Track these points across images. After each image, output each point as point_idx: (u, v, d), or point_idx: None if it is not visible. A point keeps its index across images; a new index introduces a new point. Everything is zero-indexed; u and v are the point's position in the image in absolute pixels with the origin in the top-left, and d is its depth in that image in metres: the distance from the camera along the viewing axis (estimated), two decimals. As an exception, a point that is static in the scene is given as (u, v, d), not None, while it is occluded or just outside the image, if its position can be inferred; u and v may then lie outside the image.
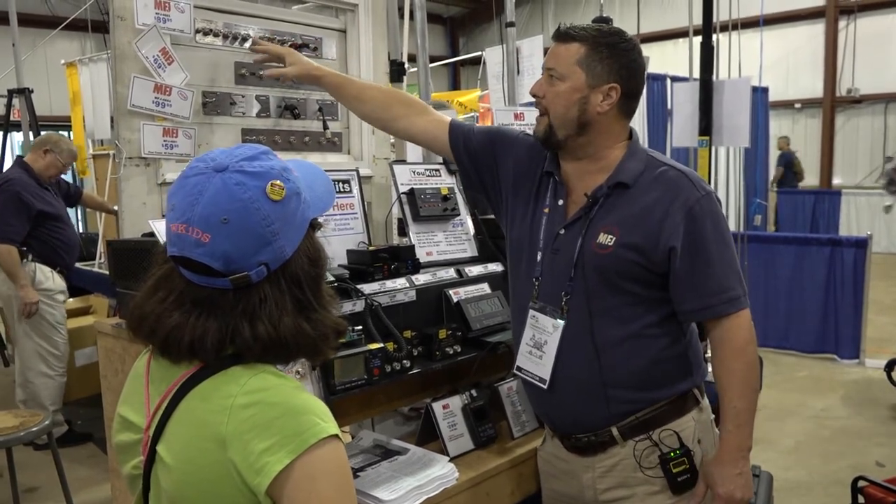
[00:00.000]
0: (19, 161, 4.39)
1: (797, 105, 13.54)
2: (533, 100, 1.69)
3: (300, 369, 1.56)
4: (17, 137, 8.11)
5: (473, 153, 1.85)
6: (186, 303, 1.03)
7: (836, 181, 13.23)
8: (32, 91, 5.80)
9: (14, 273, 4.07)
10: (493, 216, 1.98)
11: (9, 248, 4.04)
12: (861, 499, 2.64)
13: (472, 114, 6.92)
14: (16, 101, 5.89)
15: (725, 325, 1.59)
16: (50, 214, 4.23)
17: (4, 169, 6.04)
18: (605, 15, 4.46)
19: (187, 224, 0.99)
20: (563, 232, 1.66)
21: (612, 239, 1.58)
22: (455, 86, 16.22)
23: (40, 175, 4.27)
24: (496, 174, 1.84)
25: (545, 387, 1.68)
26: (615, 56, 1.59)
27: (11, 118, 6.18)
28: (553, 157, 1.72)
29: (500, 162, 1.83)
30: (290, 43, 2.31)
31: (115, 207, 4.71)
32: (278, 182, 1.02)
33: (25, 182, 4.17)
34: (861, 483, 2.64)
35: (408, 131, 1.94)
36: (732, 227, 5.71)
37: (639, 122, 7.37)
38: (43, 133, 4.89)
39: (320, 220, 1.13)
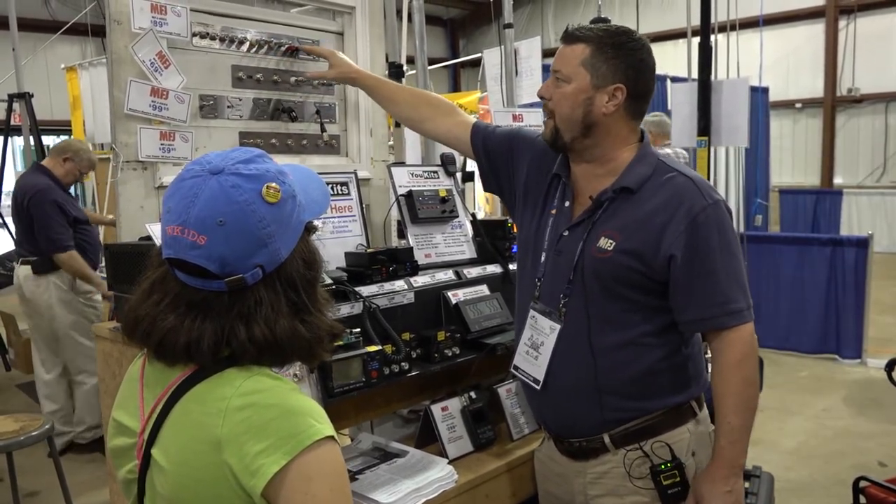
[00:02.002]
0: (40, 167, 4.32)
1: (798, 105, 13.52)
2: (531, 101, 1.69)
3: (297, 372, 1.56)
4: (17, 142, 8.14)
5: (491, 154, 1.87)
6: (181, 305, 1.03)
7: (837, 181, 13.21)
8: (33, 95, 5.80)
9: (86, 274, 4.12)
10: (491, 217, 1.98)
11: (70, 253, 4.08)
12: (862, 499, 2.62)
13: (472, 116, 6.92)
14: (16, 106, 5.89)
15: (725, 338, 1.55)
16: (79, 220, 4.26)
17: (4, 173, 6.06)
18: (603, 16, 4.45)
19: (183, 226, 1.00)
20: (566, 234, 1.65)
21: (611, 244, 1.56)
22: (455, 88, 16.23)
23: (60, 181, 4.26)
24: (512, 175, 1.84)
25: (538, 388, 1.68)
26: (621, 56, 1.56)
27: (12, 122, 6.18)
28: (563, 159, 1.71)
29: (516, 164, 1.83)
30: (286, 46, 2.32)
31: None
32: (274, 185, 1.02)
33: (55, 190, 4.17)
34: (863, 483, 2.63)
35: (434, 132, 2.03)
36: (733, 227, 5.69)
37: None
38: (63, 139, 4.84)
39: (316, 223, 1.13)
